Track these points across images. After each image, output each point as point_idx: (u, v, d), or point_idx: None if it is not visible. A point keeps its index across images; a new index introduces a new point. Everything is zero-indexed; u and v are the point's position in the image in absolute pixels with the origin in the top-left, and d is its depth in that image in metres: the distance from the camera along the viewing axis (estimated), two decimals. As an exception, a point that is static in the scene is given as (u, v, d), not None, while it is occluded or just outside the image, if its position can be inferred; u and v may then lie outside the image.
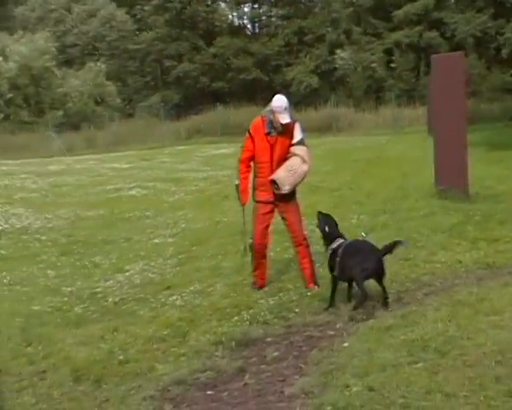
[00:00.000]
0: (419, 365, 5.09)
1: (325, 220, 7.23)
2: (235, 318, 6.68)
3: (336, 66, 50.27)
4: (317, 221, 7.31)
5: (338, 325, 6.32)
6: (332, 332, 6.16)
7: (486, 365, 4.96)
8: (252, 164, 7.62)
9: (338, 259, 6.83)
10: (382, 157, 21.91)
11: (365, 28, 53.49)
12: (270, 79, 54.44)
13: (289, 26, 55.15)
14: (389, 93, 44.43)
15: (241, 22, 63.34)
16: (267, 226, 7.65)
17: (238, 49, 54.63)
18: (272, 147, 7.44)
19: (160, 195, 16.69)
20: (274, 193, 7.45)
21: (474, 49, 47.01)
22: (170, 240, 10.94)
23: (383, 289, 6.77)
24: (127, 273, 8.87)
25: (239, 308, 6.95)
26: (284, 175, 7.35)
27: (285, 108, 7.37)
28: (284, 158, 7.47)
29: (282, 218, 7.70)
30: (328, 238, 7.12)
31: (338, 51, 49.92)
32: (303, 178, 7.54)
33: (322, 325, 6.37)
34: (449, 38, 49.61)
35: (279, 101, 7.42)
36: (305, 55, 53.18)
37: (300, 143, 7.57)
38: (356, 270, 6.68)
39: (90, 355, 5.95)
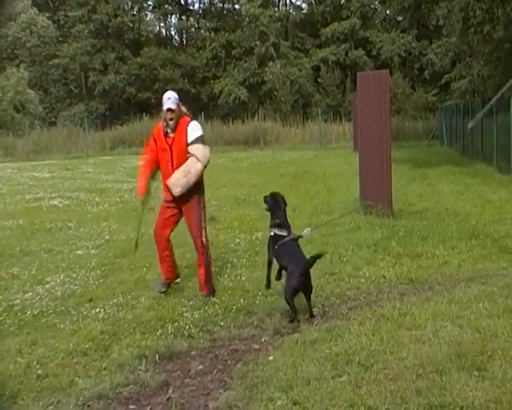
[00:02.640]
0: (343, 378, 5.14)
1: (272, 200, 7.53)
2: (160, 331, 6.58)
3: (265, 79, 50.71)
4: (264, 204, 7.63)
5: (263, 339, 6.31)
6: (257, 346, 6.15)
7: (408, 378, 5.05)
8: (154, 164, 7.89)
9: (276, 247, 7.11)
10: (309, 172, 22.17)
11: (293, 43, 54.35)
12: (197, 90, 54.43)
13: (217, 38, 55.32)
14: (316, 108, 45.05)
15: (168, 33, 63.18)
16: (168, 218, 7.89)
17: (165, 60, 54.47)
18: (171, 148, 7.68)
19: (83, 205, 16.34)
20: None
21: (399, 68, 48.43)
22: (93, 251, 10.70)
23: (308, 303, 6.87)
24: (47, 285, 8.59)
25: (163, 321, 6.85)
26: (176, 177, 7.59)
27: (169, 98, 7.64)
28: (184, 159, 7.67)
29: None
30: (272, 218, 7.38)
31: (270, 64, 50.37)
32: (197, 177, 7.68)
33: (247, 339, 6.34)
34: (374, 56, 50.95)
35: (166, 94, 7.77)
36: (234, 68, 53.45)
37: (196, 141, 7.70)
38: (286, 285, 6.84)
39: (5, 370, 5.72)
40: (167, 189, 7.72)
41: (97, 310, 7.37)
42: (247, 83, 52.47)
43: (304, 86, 51.12)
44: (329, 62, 51.41)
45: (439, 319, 6.37)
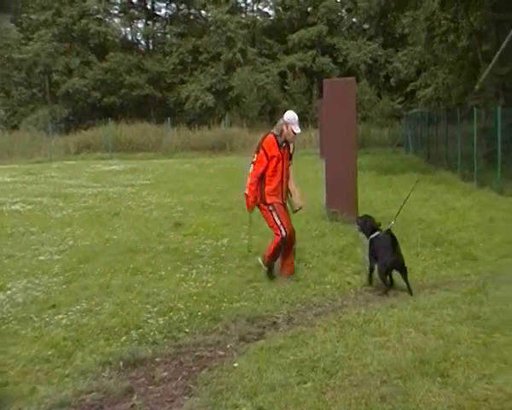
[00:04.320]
0: (308, 385, 5.13)
1: (362, 221, 8.56)
2: (124, 337, 6.50)
3: (233, 85, 50.78)
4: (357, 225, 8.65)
5: (228, 345, 6.28)
6: (222, 352, 6.11)
7: (372, 384, 5.06)
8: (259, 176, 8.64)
9: (370, 244, 8.12)
10: (274, 178, 22.11)
11: (260, 49, 54.55)
12: (163, 96, 54.23)
13: (184, 44, 55.16)
14: (283, 115, 45.05)
15: (134, 38, 62.83)
16: (288, 216, 8.82)
17: (131, 66, 54.15)
18: (283, 158, 8.68)
19: (46, 210, 16.12)
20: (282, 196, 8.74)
21: (365, 75, 48.89)
22: (56, 257, 10.55)
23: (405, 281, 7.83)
24: (8, 292, 8.44)
25: (127, 328, 6.77)
26: (297, 195, 9.01)
27: (297, 121, 8.74)
28: (288, 167, 8.79)
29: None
30: (367, 233, 8.31)
31: (238, 70, 50.46)
32: None
33: (212, 345, 6.30)
34: (341, 63, 51.37)
35: (294, 115, 8.82)
36: (200, 74, 53.39)
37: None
38: (378, 264, 7.89)
39: (-36, 378, 5.61)
40: (280, 193, 8.65)
41: (60, 316, 7.26)
42: (213, 89, 52.39)
43: (271, 92, 51.26)
44: (296, 69, 51.65)
45: (403, 325, 6.40)
